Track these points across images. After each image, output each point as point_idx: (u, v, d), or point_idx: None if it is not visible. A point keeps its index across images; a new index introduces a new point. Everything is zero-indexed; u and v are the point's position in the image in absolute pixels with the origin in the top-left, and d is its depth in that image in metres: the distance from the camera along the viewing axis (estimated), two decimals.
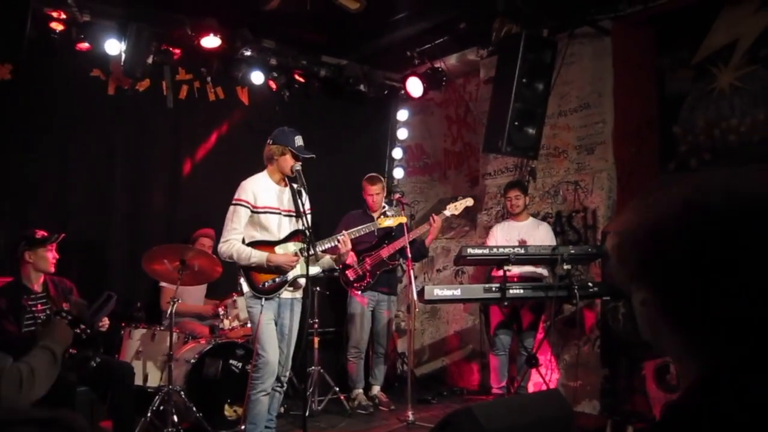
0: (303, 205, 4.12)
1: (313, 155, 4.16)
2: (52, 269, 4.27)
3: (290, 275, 4.13)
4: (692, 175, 0.93)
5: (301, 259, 4.11)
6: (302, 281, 4.17)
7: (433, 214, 5.48)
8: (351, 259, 5.55)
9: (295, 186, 4.17)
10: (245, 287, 4.13)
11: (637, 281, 0.94)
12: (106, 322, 4.12)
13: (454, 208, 5.45)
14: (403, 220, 5.07)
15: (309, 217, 4.24)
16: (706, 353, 0.87)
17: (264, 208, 4.13)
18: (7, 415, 0.78)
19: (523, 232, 5.43)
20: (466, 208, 5.59)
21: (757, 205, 0.84)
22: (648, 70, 5.37)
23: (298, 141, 4.14)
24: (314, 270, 4.18)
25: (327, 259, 4.32)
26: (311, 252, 4.01)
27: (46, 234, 4.24)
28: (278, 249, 4.13)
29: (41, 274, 4.26)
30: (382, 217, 4.93)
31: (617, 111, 5.52)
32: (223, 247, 4.08)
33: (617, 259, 0.96)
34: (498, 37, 5.59)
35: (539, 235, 5.42)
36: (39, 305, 4.17)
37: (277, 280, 4.10)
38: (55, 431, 0.78)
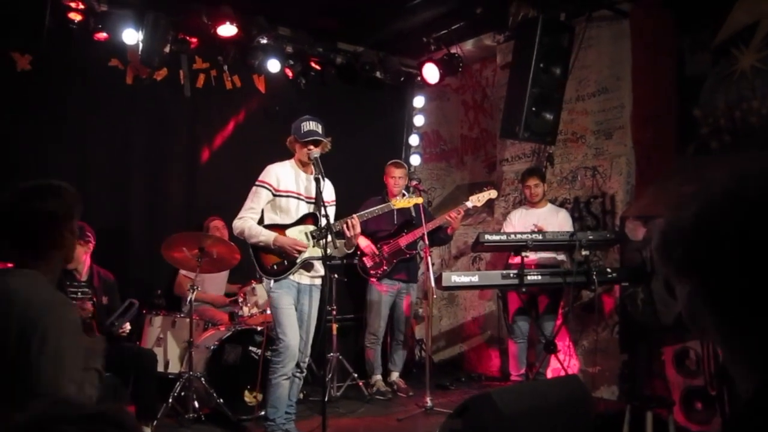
0: (321, 193, 4.10)
1: (317, 138, 4.09)
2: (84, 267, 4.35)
3: (300, 258, 4.11)
4: (726, 161, 0.93)
5: (312, 242, 4.13)
6: (319, 268, 4.19)
7: (457, 208, 5.43)
8: (369, 247, 5.57)
9: (313, 174, 4.18)
10: None
11: (682, 273, 0.93)
12: (127, 327, 4.18)
13: (477, 200, 5.40)
14: (420, 200, 5.05)
15: (333, 208, 4.24)
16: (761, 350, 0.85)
17: (285, 192, 4.16)
18: (61, 411, 0.79)
19: (542, 219, 5.36)
20: (489, 200, 5.55)
21: None
22: (667, 52, 5.28)
23: (305, 127, 4.11)
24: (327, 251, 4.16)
25: (342, 246, 4.30)
26: (329, 239, 4.00)
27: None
28: (289, 231, 4.15)
29: (87, 262, 4.33)
30: (396, 198, 4.91)
31: (636, 95, 5.46)
32: (237, 223, 4.14)
33: (660, 252, 0.95)
34: (515, 22, 5.55)
35: (558, 221, 5.37)
36: (79, 293, 4.22)
37: (285, 262, 4.11)
38: (102, 426, 0.79)
